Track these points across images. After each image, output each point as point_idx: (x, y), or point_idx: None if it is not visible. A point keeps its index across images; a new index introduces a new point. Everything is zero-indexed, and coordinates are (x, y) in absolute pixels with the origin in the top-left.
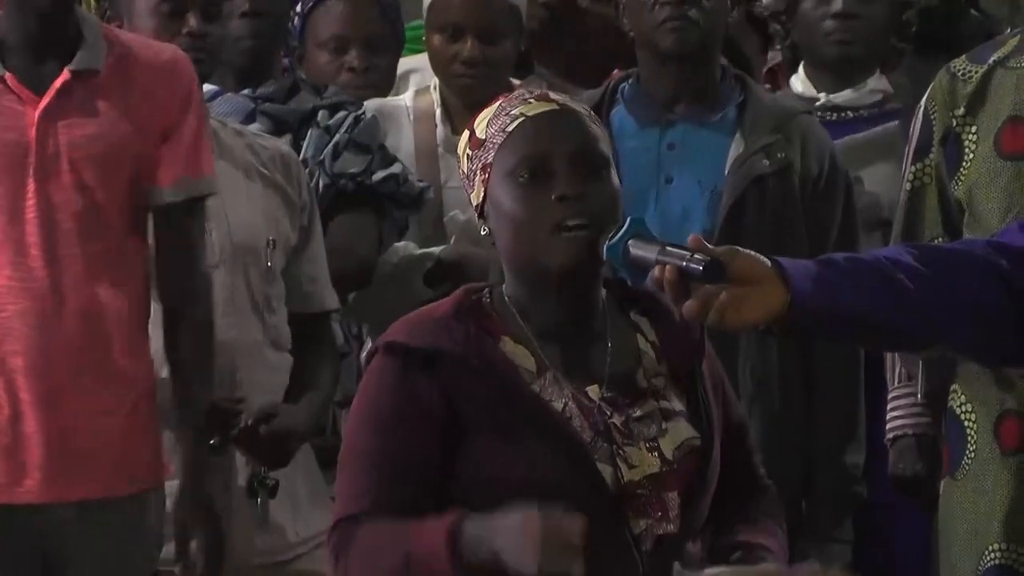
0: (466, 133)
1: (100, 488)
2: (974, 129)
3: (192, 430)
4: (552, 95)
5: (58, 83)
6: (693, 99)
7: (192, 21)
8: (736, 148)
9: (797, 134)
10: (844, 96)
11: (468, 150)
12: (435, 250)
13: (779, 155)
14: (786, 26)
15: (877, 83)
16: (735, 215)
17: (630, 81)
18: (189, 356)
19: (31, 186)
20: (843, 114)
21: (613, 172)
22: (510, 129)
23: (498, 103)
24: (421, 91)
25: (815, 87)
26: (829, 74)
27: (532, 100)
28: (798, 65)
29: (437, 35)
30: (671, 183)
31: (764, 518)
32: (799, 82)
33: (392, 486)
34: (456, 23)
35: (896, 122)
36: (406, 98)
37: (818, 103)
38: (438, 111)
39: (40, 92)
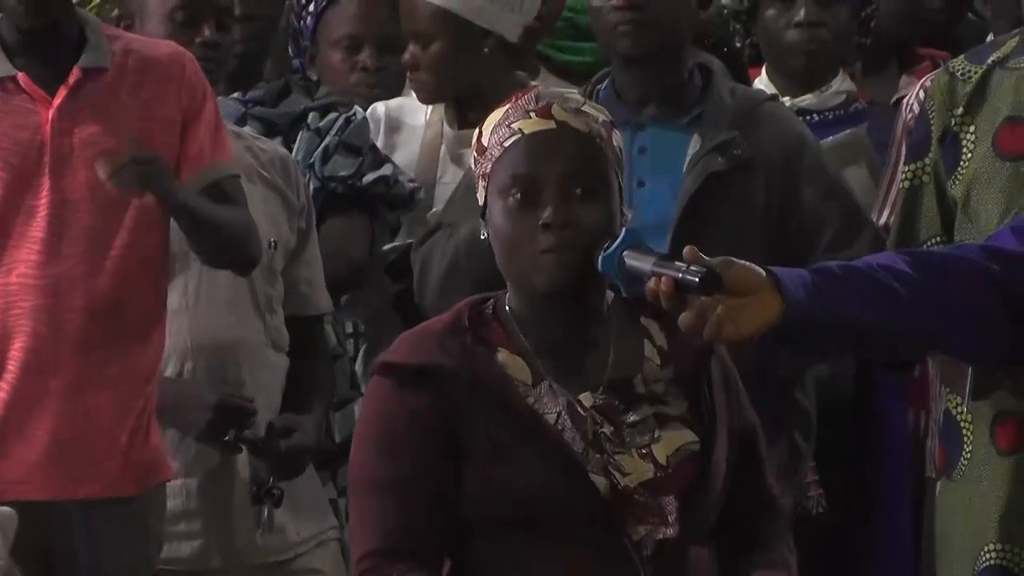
0: (476, 132)
1: (104, 487)
2: (972, 129)
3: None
4: (555, 109)
5: (71, 80)
6: (661, 101)
7: (207, 31)
8: (693, 148)
9: (759, 126)
10: (808, 100)
11: (475, 153)
12: (398, 245)
13: (735, 152)
14: (747, 25)
15: (841, 84)
16: (692, 216)
17: (605, 82)
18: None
19: (45, 184)
20: (808, 117)
21: (610, 192)
22: (507, 144)
23: (505, 108)
24: None
25: (779, 92)
26: (793, 80)
27: (533, 114)
28: (760, 63)
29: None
30: (643, 187)
31: (776, 544)
32: (762, 87)
33: (403, 510)
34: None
35: (864, 124)
36: None
37: None
38: (446, 109)
39: (51, 91)
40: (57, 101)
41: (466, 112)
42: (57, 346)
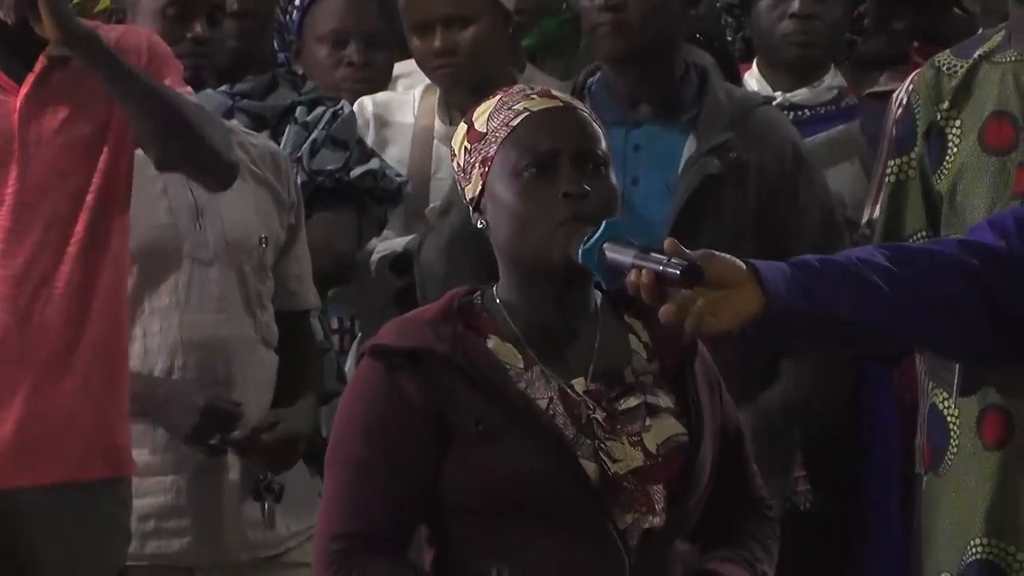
0: (463, 126)
1: (64, 470)
2: (958, 123)
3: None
4: (554, 92)
5: (37, 69)
6: (654, 100)
7: (199, 27)
8: (689, 149)
9: (754, 130)
10: (801, 95)
11: (466, 143)
12: (400, 241)
13: (731, 155)
14: (740, 19)
15: (833, 79)
16: (687, 217)
17: (597, 77)
18: None
19: (13, 173)
20: (800, 112)
21: (612, 170)
22: (514, 123)
23: (498, 97)
24: (430, 86)
25: (771, 86)
26: (785, 73)
27: (535, 96)
28: (752, 57)
29: (414, 37)
30: (637, 184)
31: (751, 541)
32: (753, 81)
33: (385, 494)
34: (422, 20)
35: (856, 120)
36: (415, 92)
37: (774, 102)
38: (438, 104)
39: (18, 80)
40: (24, 89)
41: (460, 106)
42: (23, 336)
